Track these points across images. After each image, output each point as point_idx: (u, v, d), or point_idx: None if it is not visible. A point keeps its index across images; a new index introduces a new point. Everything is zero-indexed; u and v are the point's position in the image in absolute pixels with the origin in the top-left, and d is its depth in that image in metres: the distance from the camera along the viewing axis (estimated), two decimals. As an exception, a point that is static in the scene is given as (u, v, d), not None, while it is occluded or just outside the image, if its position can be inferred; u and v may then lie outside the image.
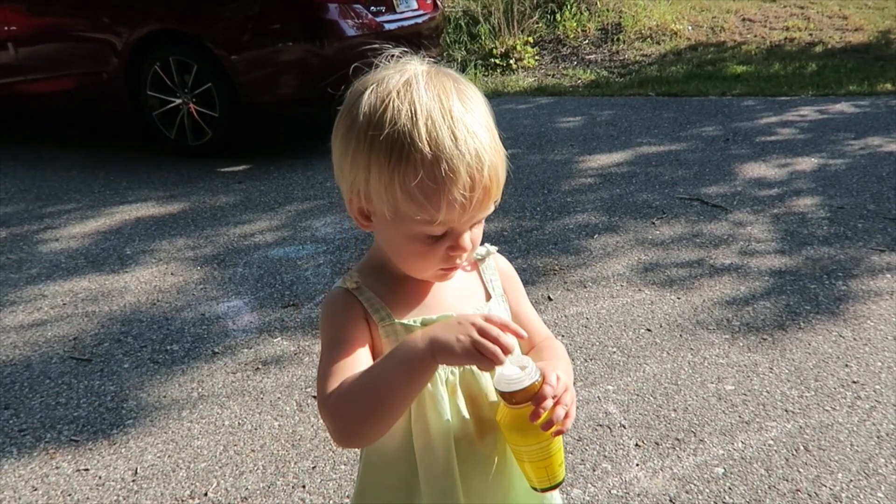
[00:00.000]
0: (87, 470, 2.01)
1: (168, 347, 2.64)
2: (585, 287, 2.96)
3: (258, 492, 1.90)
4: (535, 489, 0.93)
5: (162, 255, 3.44)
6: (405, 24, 5.27)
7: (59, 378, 2.46)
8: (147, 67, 4.84)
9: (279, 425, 2.17)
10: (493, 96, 6.62)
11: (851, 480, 1.86)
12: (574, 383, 2.28)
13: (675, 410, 2.17)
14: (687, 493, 1.84)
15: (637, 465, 1.95)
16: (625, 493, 1.85)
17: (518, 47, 7.91)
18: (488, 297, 1.01)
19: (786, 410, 2.15)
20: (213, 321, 2.81)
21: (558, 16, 8.49)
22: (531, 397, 0.84)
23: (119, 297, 3.03)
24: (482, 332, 0.80)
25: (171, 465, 2.02)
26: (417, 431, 0.92)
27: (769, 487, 1.85)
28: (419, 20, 5.44)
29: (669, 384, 2.30)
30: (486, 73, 7.68)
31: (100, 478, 1.98)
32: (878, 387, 2.25)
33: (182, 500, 1.89)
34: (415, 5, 5.47)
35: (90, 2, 4.96)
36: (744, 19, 8.76)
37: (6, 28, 5.08)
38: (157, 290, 3.09)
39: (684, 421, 2.12)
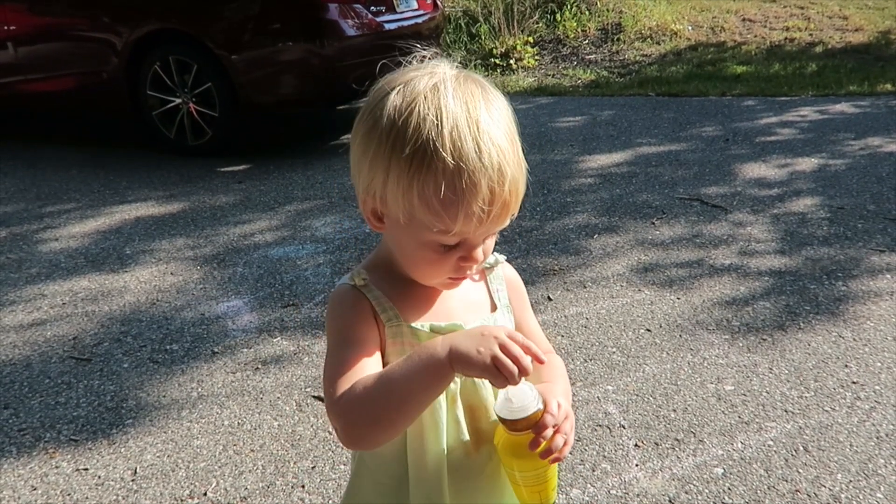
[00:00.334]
0: (86, 469, 2.01)
1: (168, 347, 2.64)
2: (585, 287, 2.96)
3: (257, 491, 1.90)
4: None
5: (162, 254, 3.44)
6: (405, 23, 5.27)
7: (59, 378, 2.46)
8: (147, 67, 4.84)
9: (279, 425, 2.17)
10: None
11: (851, 481, 1.86)
12: (574, 384, 2.30)
13: (674, 411, 2.17)
14: (686, 493, 1.84)
15: (636, 465, 1.95)
16: (624, 493, 1.85)
17: (518, 47, 7.91)
18: (494, 307, 1.00)
19: (785, 411, 2.15)
20: (213, 321, 2.81)
21: (558, 16, 8.49)
22: (532, 425, 0.84)
23: (119, 296, 3.03)
24: (504, 349, 0.79)
25: (170, 464, 2.02)
26: (412, 436, 0.92)
27: (768, 488, 1.85)
28: (419, 20, 5.44)
29: (669, 384, 2.30)
30: (486, 73, 7.67)
31: (99, 477, 1.98)
32: (877, 387, 2.25)
33: (181, 500, 1.89)
34: (415, 5, 5.48)
35: (90, 1, 4.96)
36: (744, 19, 8.76)
37: (6, 27, 5.08)
38: (156, 289, 3.09)
39: (684, 421, 2.12)
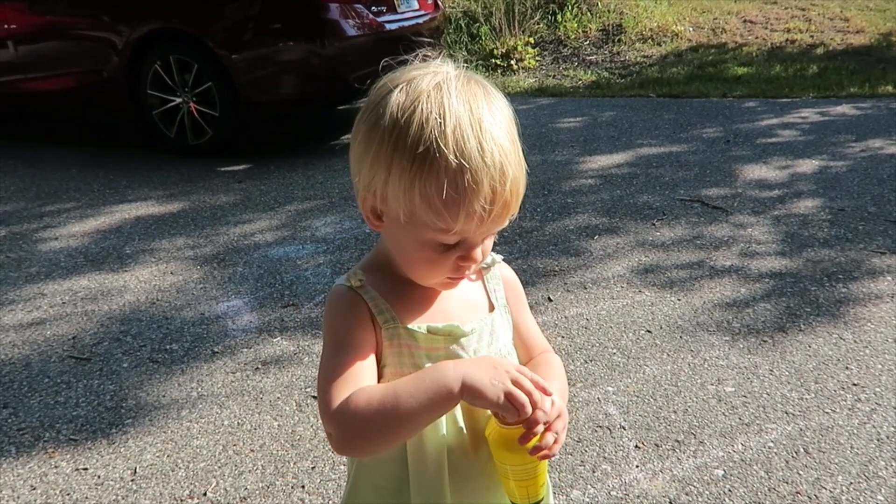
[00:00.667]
0: (85, 469, 2.00)
1: (167, 347, 2.63)
2: (586, 288, 2.96)
3: (257, 492, 1.90)
4: None
5: (162, 254, 3.44)
6: (406, 24, 5.27)
7: (58, 377, 2.45)
8: (147, 66, 4.84)
9: (278, 425, 2.17)
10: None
11: (851, 483, 1.86)
12: (574, 385, 2.30)
13: (674, 412, 2.17)
14: (686, 495, 1.84)
15: (637, 466, 1.95)
16: (624, 494, 1.85)
17: (519, 48, 7.91)
18: (491, 307, 1.00)
19: (786, 413, 2.15)
20: (213, 321, 2.81)
21: (559, 16, 8.49)
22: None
23: (118, 296, 3.03)
24: (516, 384, 0.81)
25: (170, 464, 2.02)
26: (412, 438, 0.92)
27: (769, 490, 1.85)
28: (420, 20, 5.44)
29: (669, 386, 2.30)
30: (487, 74, 7.67)
31: (99, 477, 1.97)
32: (878, 389, 2.24)
33: (181, 500, 1.88)
34: (416, 5, 5.47)
35: (91, 0, 4.96)
36: (745, 21, 8.76)
37: (6, 26, 5.08)
38: (156, 289, 3.08)
39: (684, 423, 2.12)
